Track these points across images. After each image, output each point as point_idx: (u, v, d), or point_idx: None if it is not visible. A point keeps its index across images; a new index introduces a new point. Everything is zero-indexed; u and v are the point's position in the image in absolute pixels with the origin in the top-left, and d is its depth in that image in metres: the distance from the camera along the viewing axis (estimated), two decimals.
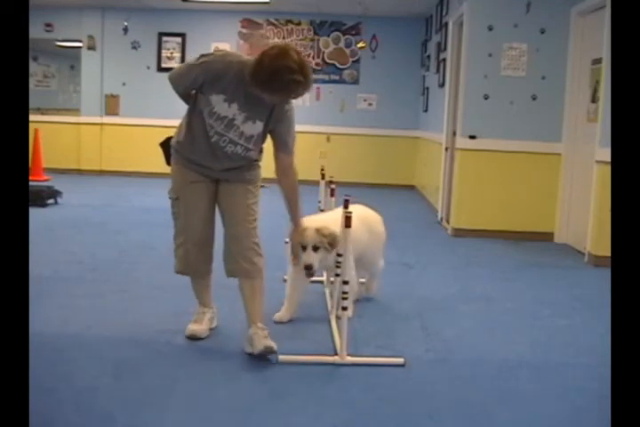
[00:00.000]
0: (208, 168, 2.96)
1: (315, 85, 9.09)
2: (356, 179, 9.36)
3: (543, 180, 6.02)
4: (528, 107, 5.98)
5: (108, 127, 9.90)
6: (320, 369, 2.81)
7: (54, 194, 6.96)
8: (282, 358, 2.84)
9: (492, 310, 3.82)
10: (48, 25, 9.70)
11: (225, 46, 8.83)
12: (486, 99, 6.00)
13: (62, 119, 10.06)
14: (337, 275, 3.19)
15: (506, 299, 4.04)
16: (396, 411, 2.46)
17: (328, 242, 3.21)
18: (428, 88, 8.82)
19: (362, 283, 3.78)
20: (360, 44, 9.67)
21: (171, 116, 7.53)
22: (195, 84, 2.86)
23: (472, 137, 6.04)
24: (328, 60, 9.71)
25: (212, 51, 2.96)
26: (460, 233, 6.10)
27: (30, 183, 5.88)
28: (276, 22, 9.68)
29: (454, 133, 6.46)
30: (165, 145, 3.11)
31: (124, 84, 9.86)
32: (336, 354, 2.89)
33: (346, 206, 3.22)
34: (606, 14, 4.92)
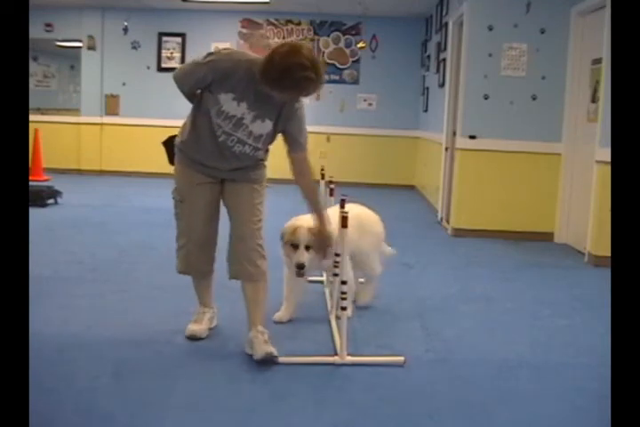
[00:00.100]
0: (214, 168, 2.92)
1: None
2: (356, 179, 9.37)
3: (543, 180, 6.02)
4: (528, 107, 5.98)
5: (108, 127, 9.89)
6: (320, 369, 2.80)
7: (54, 194, 6.96)
8: (282, 358, 2.83)
9: (492, 310, 3.82)
10: (48, 25, 9.69)
11: (225, 46, 8.83)
12: (486, 99, 6.00)
13: (62, 119, 10.05)
14: (335, 275, 3.19)
15: (506, 299, 4.04)
16: (395, 411, 2.46)
17: None
18: (427, 88, 8.82)
19: (361, 283, 3.78)
20: (360, 44, 9.67)
21: (171, 116, 7.60)
22: (202, 83, 2.81)
23: (472, 137, 6.04)
24: (328, 60, 9.70)
25: (212, 51, 2.87)
26: (459, 233, 6.10)
27: (30, 183, 5.88)
28: (276, 22, 9.68)
29: (454, 133, 6.45)
30: (168, 144, 3.07)
31: (124, 84, 9.86)
32: (336, 354, 2.89)
33: (342, 206, 3.20)
34: (606, 14, 4.92)
